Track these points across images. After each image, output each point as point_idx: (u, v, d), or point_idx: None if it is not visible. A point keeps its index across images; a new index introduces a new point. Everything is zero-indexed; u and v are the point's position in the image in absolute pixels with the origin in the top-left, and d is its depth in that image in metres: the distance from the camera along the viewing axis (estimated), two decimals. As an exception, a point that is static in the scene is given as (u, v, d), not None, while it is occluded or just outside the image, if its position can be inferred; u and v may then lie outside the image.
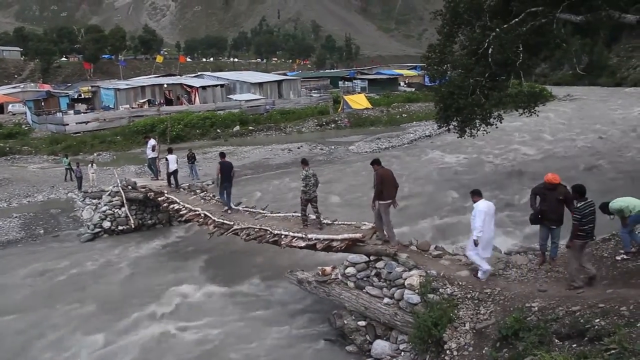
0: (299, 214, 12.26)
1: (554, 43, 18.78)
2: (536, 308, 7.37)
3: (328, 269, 10.53)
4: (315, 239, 11.07)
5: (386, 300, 9.12)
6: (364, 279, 9.73)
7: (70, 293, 13.33)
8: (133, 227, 18.23)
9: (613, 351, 5.63)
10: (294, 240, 11.44)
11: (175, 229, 18.65)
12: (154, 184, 18.86)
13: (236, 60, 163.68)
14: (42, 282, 14.26)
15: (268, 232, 12.14)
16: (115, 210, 18.43)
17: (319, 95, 59.50)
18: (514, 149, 30.92)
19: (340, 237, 10.61)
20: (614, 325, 6.08)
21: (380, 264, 9.60)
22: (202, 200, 16.33)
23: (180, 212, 15.76)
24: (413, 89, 69.82)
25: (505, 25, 17.74)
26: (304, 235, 11.33)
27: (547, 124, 39.80)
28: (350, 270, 9.92)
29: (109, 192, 19.17)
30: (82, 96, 53.71)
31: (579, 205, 7.93)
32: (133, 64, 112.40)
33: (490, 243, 8.84)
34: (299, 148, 35.32)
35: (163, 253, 16.19)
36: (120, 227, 18.28)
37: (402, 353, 8.68)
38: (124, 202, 18.53)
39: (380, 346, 8.97)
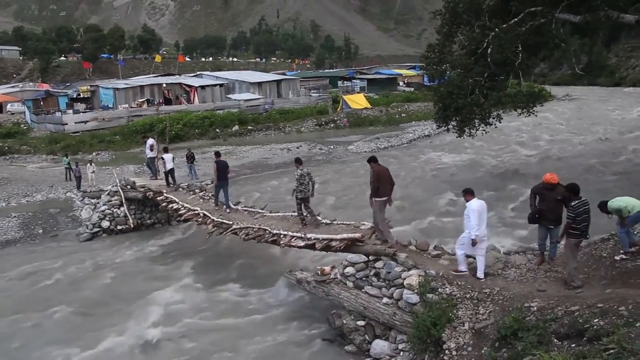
0: (299, 215, 12.27)
1: (553, 43, 18.79)
2: (535, 308, 7.38)
3: (327, 268, 10.54)
4: (315, 239, 11.06)
5: (385, 300, 9.12)
6: (363, 278, 9.73)
7: (60, 294, 13.09)
8: (132, 226, 18.21)
9: (612, 351, 5.64)
10: (293, 239, 11.44)
11: (174, 228, 18.64)
12: (153, 183, 18.86)
13: (235, 59, 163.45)
14: (34, 283, 14.04)
15: (267, 231, 12.15)
16: (114, 210, 18.42)
17: (318, 95, 59.49)
18: (512, 149, 30.95)
19: (339, 236, 10.61)
20: (612, 325, 6.08)
21: (379, 264, 9.59)
22: (201, 200, 16.34)
23: (179, 212, 15.76)
24: (412, 89, 69.80)
25: (504, 25, 17.73)
26: (303, 235, 11.33)
27: (545, 124, 39.82)
28: (349, 270, 9.92)
29: (107, 192, 19.15)
30: (81, 95, 53.72)
31: (573, 203, 7.97)
32: (132, 64, 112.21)
33: (482, 241, 8.84)
34: (298, 148, 35.31)
35: (161, 253, 16.16)
36: (119, 227, 18.27)
37: (401, 353, 8.68)
38: (123, 201, 18.51)
39: (379, 346, 8.97)
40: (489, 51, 18.02)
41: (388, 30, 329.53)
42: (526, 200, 12.95)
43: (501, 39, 17.48)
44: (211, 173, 18.13)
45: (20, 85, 70.84)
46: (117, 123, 43.03)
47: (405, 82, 78.77)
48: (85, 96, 53.15)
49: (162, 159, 18.10)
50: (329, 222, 12.20)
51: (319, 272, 10.49)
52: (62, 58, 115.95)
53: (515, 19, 17.64)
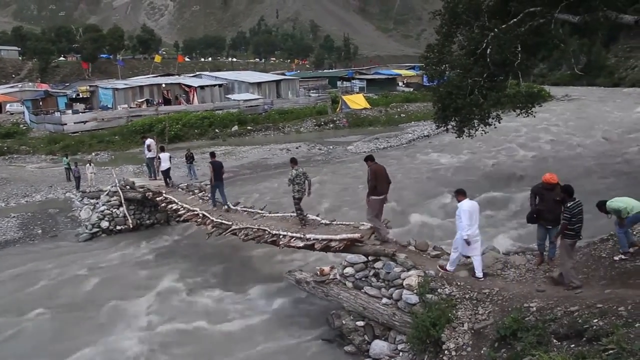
0: (299, 215, 12.28)
1: (552, 43, 18.80)
2: (534, 308, 7.38)
3: (326, 269, 10.53)
4: (314, 239, 11.06)
5: (384, 300, 9.12)
6: (362, 279, 9.73)
7: (45, 297, 12.94)
8: (131, 227, 18.20)
9: (611, 351, 5.64)
10: (292, 240, 11.44)
11: (173, 228, 18.62)
12: (152, 183, 18.85)
13: (234, 60, 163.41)
14: (23, 285, 13.82)
15: (266, 232, 12.14)
16: (114, 210, 18.41)
17: (317, 95, 59.48)
18: (511, 149, 30.95)
19: (338, 237, 10.61)
20: (612, 326, 6.09)
21: (378, 264, 9.59)
22: (200, 200, 16.34)
23: (179, 212, 15.75)
24: (411, 89, 69.85)
25: (503, 26, 17.75)
26: (302, 236, 11.33)
27: (545, 125, 39.83)
28: (349, 270, 9.91)
29: (107, 192, 19.14)
30: (80, 96, 53.74)
31: (568, 205, 8.00)
32: (131, 64, 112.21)
33: (475, 241, 8.85)
34: (297, 148, 35.31)
35: (159, 253, 16.12)
36: (118, 227, 18.26)
37: (401, 353, 8.68)
38: (122, 202, 18.51)
39: (378, 346, 8.98)
40: (488, 51, 18.04)
41: (387, 30, 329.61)
42: (525, 200, 12.98)
43: (500, 40, 17.50)
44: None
45: (20, 86, 70.77)
46: (116, 123, 42.99)
47: (405, 82, 78.80)
48: (85, 96, 53.17)
49: (158, 158, 18.14)
50: (328, 222, 12.21)
51: (319, 272, 10.49)
52: (62, 58, 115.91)
53: (515, 20, 17.66)
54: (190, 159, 22.65)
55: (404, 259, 9.33)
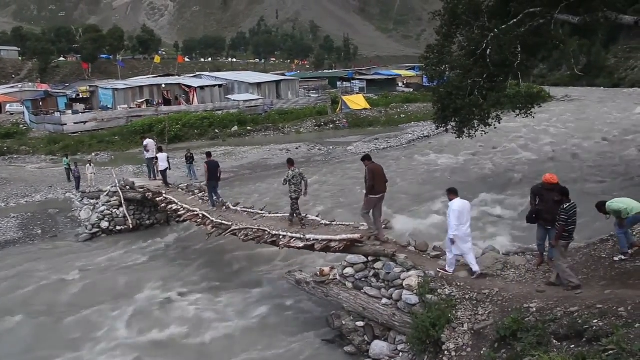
0: (296, 214, 12.29)
1: (552, 44, 18.81)
2: (534, 309, 7.38)
3: (326, 269, 10.52)
4: (314, 240, 11.05)
5: (384, 300, 9.12)
6: (362, 279, 9.72)
7: (37, 298, 12.84)
8: (131, 227, 18.19)
9: (611, 352, 5.64)
10: (292, 240, 11.43)
11: (173, 229, 18.61)
12: (152, 184, 18.84)
13: (234, 60, 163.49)
14: (19, 286, 13.66)
15: (266, 232, 12.13)
16: (113, 211, 18.39)
17: (317, 95, 59.52)
18: (511, 150, 30.96)
19: (338, 237, 10.60)
20: (612, 326, 6.09)
21: (378, 265, 9.58)
22: (200, 201, 16.32)
23: (179, 213, 15.73)
24: (411, 90, 69.92)
25: (503, 26, 17.75)
26: (302, 236, 11.32)
27: (544, 125, 39.85)
28: (349, 270, 9.91)
29: (107, 192, 19.12)
30: (80, 96, 53.71)
31: (565, 206, 8.01)
32: (131, 64, 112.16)
33: (466, 240, 8.87)
34: (297, 148, 35.31)
35: (159, 254, 16.11)
36: (118, 227, 18.24)
37: (400, 354, 8.68)
38: (122, 202, 18.49)
39: (378, 347, 8.97)
40: (488, 52, 18.04)
41: (387, 31, 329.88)
42: (525, 201, 12.98)
43: (500, 40, 17.50)
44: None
45: (20, 86, 70.78)
46: (116, 123, 43.02)
47: (405, 82, 78.89)
48: (85, 97, 53.16)
49: (156, 158, 18.15)
50: (328, 222, 12.22)
51: (318, 272, 10.48)
52: (61, 58, 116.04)
53: (515, 20, 17.66)
54: (190, 159, 22.66)
55: (404, 259, 9.33)
